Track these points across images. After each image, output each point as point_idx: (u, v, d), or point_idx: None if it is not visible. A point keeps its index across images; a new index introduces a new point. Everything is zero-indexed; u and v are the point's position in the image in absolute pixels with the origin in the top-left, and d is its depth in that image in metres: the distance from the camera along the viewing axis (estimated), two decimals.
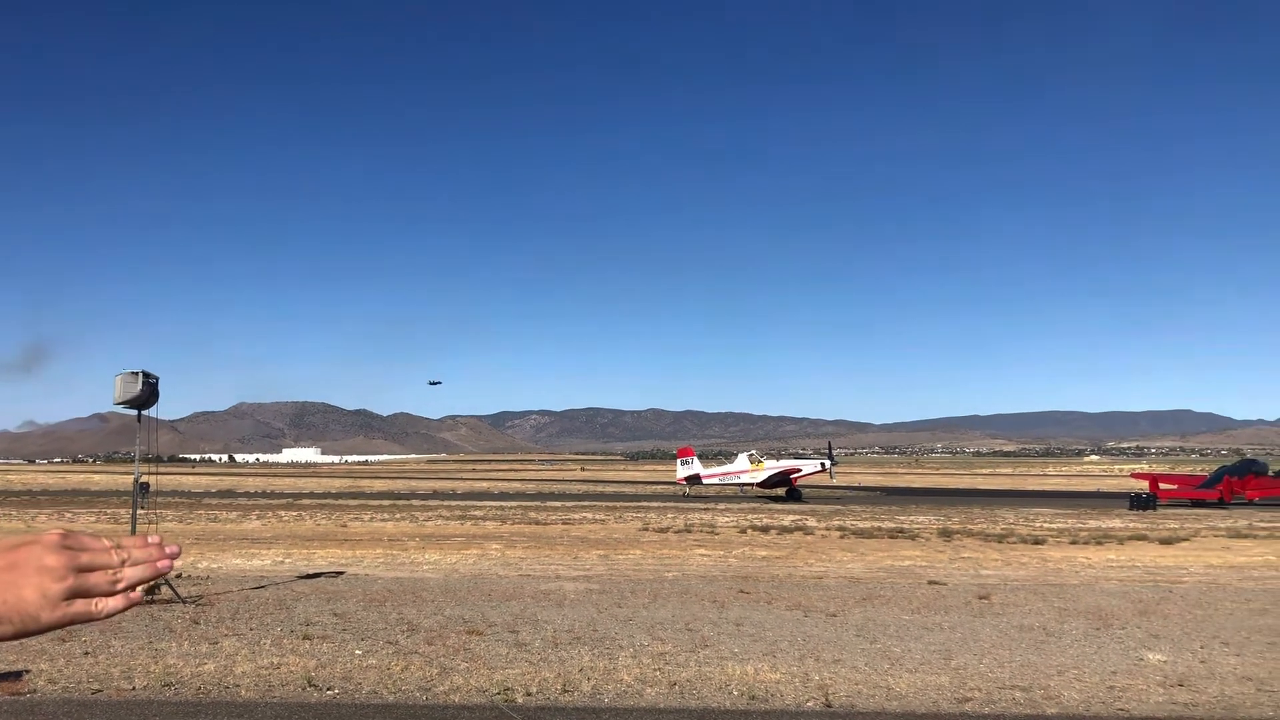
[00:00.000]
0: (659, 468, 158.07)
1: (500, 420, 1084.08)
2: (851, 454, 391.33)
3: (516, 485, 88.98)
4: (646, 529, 35.03)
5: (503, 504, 53.51)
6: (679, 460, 70.01)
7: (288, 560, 24.76)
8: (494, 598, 17.92)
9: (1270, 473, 60.31)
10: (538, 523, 38.39)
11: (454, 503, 54.98)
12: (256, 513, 44.82)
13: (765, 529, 34.76)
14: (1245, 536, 32.93)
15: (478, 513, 44.53)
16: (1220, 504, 54.87)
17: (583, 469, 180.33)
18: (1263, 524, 39.05)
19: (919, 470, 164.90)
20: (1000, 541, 30.43)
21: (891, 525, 36.48)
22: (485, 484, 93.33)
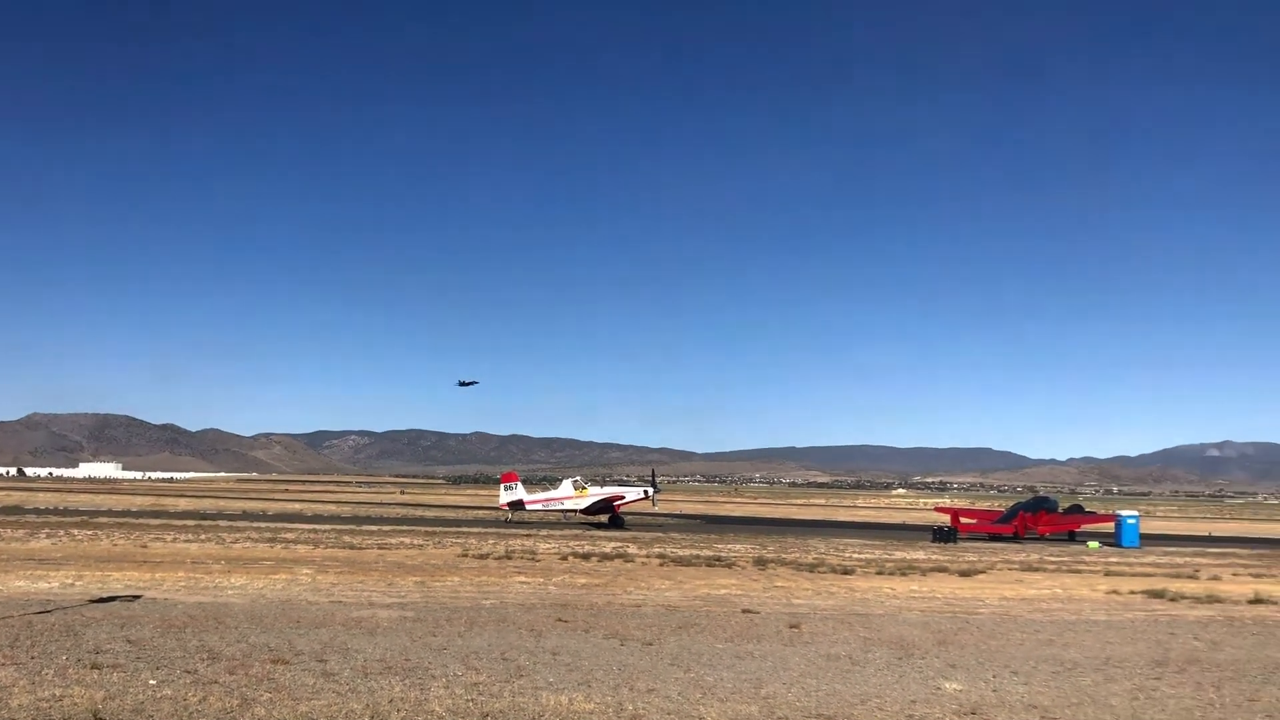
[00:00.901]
0: (482, 492, 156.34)
1: (317, 440, 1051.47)
2: (675, 481, 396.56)
3: (332, 508, 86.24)
4: (466, 555, 34.51)
5: (316, 527, 51.75)
6: (502, 485, 69.37)
7: (79, 582, 23.25)
8: (303, 625, 17.28)
9: (1060, 509, 64.32)
10: (353, 547, 37.29)
11: (264, 524, 52.83)
12: (46, 531, 41.91)
13: (586, 556, 34.78)
14: (1036, 570, 34.95)
15: (289, 535, 42.92)
16: (1015, 538, 58.05)
17: (403, 492, 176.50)
18: (1052, 558, 41.54)
19: (738, 499, 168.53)
20: (812, 571, 31.34)
21: (710, 553, 37.08)
22: (299, 505, 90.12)
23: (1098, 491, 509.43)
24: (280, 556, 32.61)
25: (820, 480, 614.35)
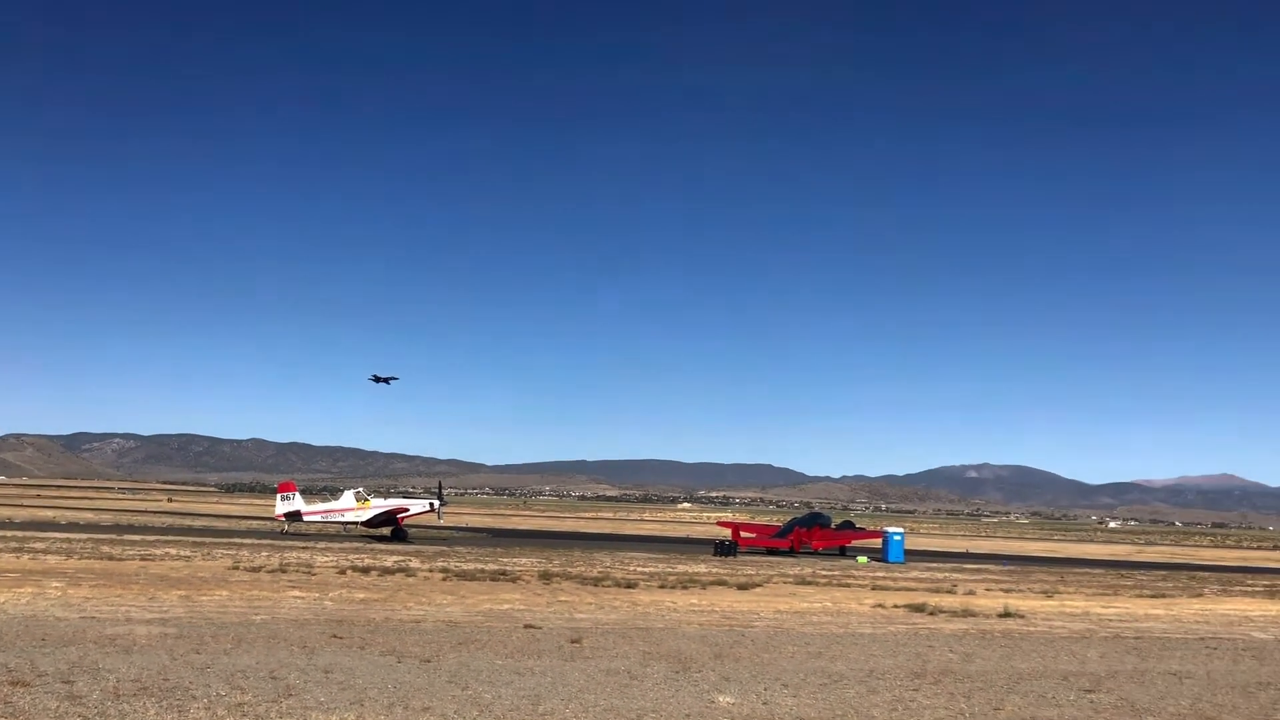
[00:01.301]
0: (258, 502, 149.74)
1: (75, 442, 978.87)
2: (463, 494, 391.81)
3: (90, 515, 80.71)
4: (237, 568, 32.88)
5: (71, 536, 48.22)
6: (279, 495, 66.61)
7: None
8: (49, 643, 15.99)
9: (833, 525, 67.28)
10: (111, 558, 34.90)
11: (10, 533, 48.80)
12: None
13: (366, 570, 33.78)
14: (809, 583, 36.35)
15: (38, 545, 39.78)
16: (791, 552, 60.32)
17: (170, 500, 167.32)
18: (824, 572, 43.34)
19: (526, 512, 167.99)
20: (596, 585, 31.52)
21: (494, 567, 36.74)
22: (51, 513, 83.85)
23: (868, 508, 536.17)
24: (27, 568, 30.17)
25: (609, 494, 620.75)
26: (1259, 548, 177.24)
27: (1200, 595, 39.91)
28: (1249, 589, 45.97)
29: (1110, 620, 27.73)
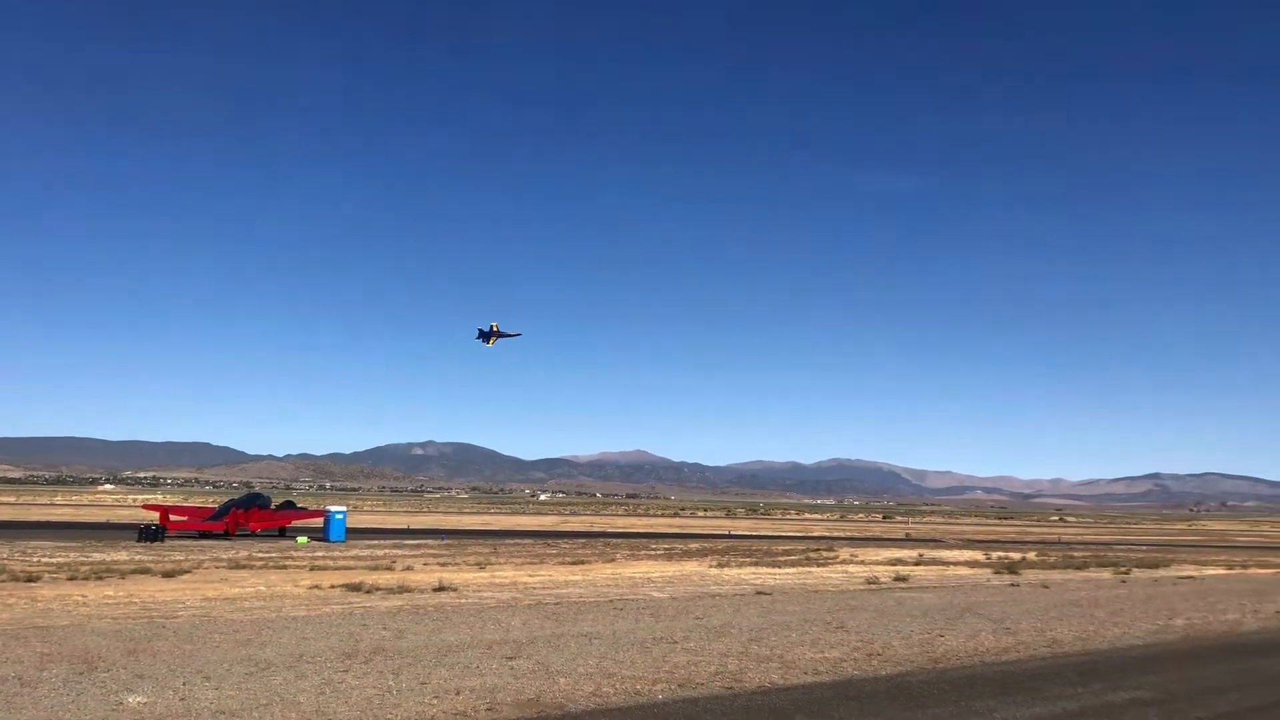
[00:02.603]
0: None
1: None
2: None
3: None
4: None
5: None
6: None
7: None
8: None
9: (274, 505, 65.02)
10: None
11: None
12: None
13: None
14: (244, 567, 34.74)
15: None
16: (226, 535, 57.29)
17: None
18: (261, 555, 41.72)
19: None
20: None
21: None
22: None
23: (312, 487, 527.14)
24: None
25: (12, 475, 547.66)
26: (662, 514, 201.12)
27: (613, 560, 44.27)
28: (652, 552, 51.89)
29: (535, 588, 29.75)
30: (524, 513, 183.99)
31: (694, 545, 62.96)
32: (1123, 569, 46.87)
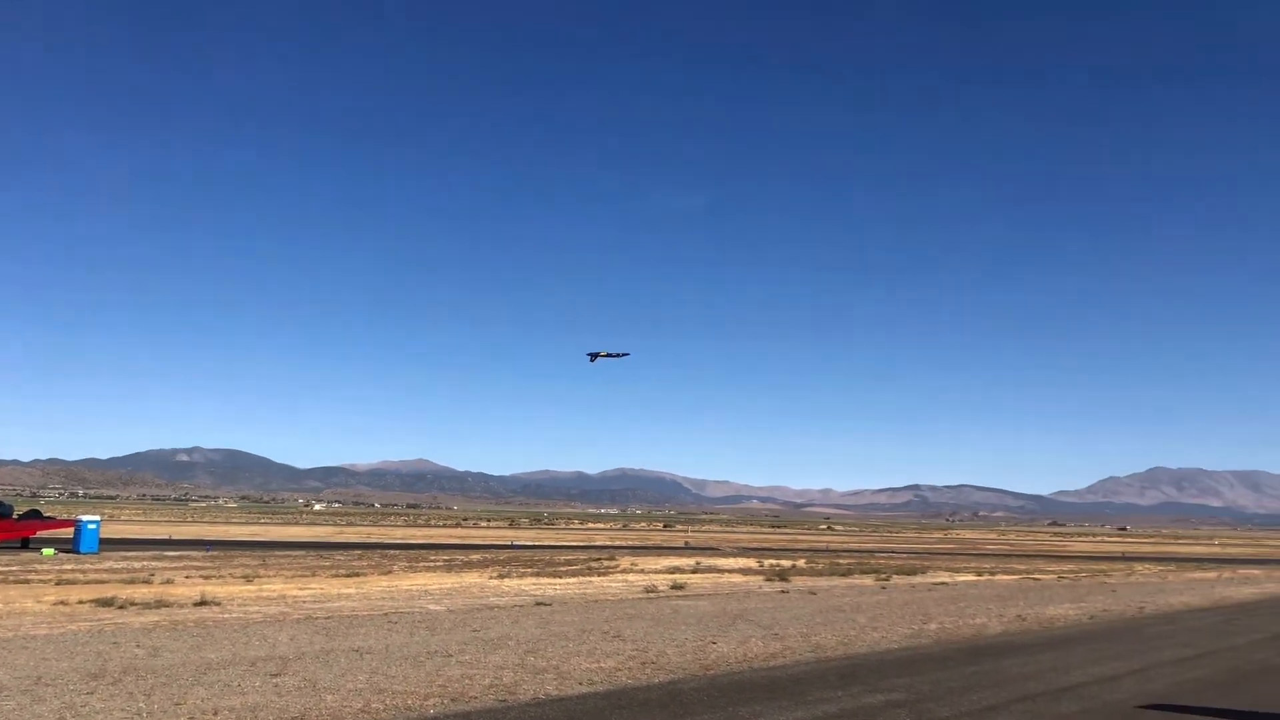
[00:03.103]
0: None
1: None
2: None
3: None
4: None
5: None
6: None
7: None
8: None
9: (15, 515, 60.10)
10: None
11: None
12: None
13: None
14: None
15: None
16: None
17: None
18: None
19: None
20: None
21: None
22: None
23: (63, 495, 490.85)
24: None
25: None
26: (443, 525, 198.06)
27: (390, 572, 43.23)
28: (432, 564, 51.04)
29: (305, 602, 28.64)
30: (297, 523, 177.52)
31: (475, 556, 62.33)
32: (884, 576, 49.44)
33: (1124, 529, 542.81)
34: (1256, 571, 72.00)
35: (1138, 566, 75.31)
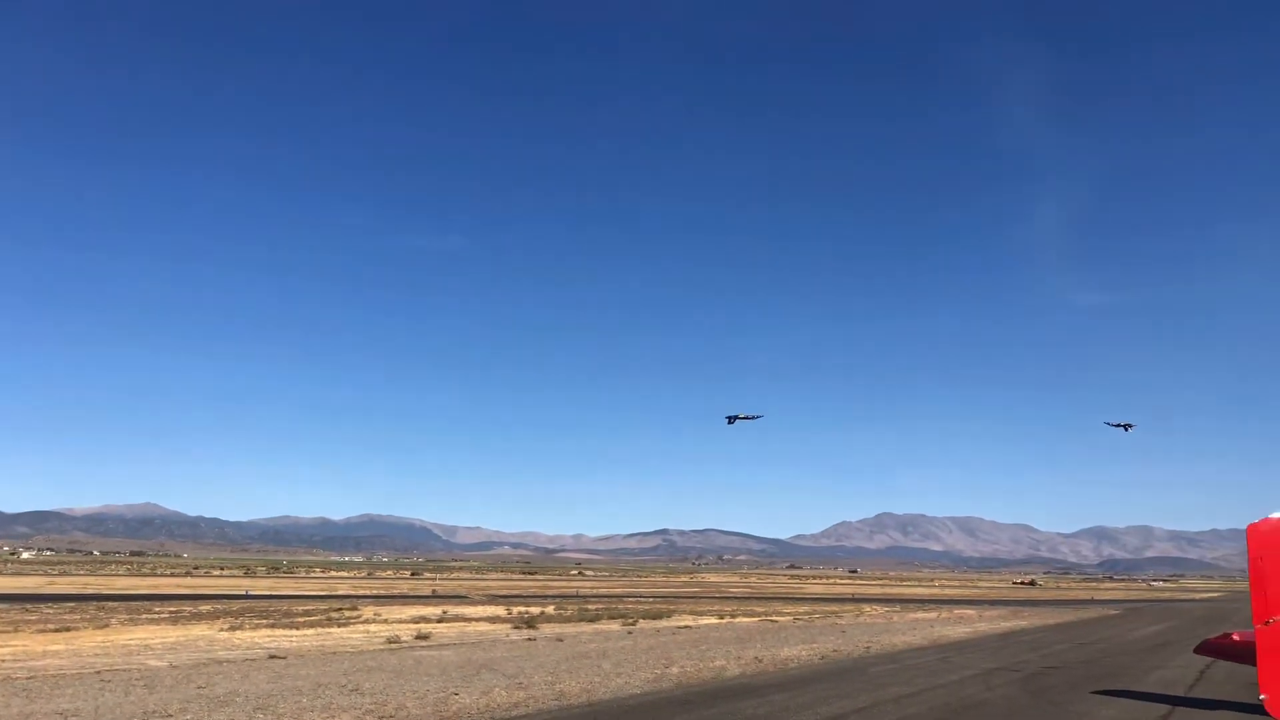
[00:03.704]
0: None
1: None
2: None
3: None
4: None
5: None
6: None
7: None
8: None
9: None
10: None
11: None
12: None
13: None
14: None
15: None
16: None
17: None
18: None
19: None
20: None
21: None
22: None
23: None
24: None
25: None
26: (171, 574, 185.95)
27: (106, 626, 40.01)
28: (156, 616, 47.62)
29: (4, 661, 26.00)
30: (1, 573, 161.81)
31: (205, 607, 58.60)
32: (631, 620, 50.10)
33: (855, 571, 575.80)
34: (970, 612, 77.72)
35: (866, 608, 79.85)
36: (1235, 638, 20.75)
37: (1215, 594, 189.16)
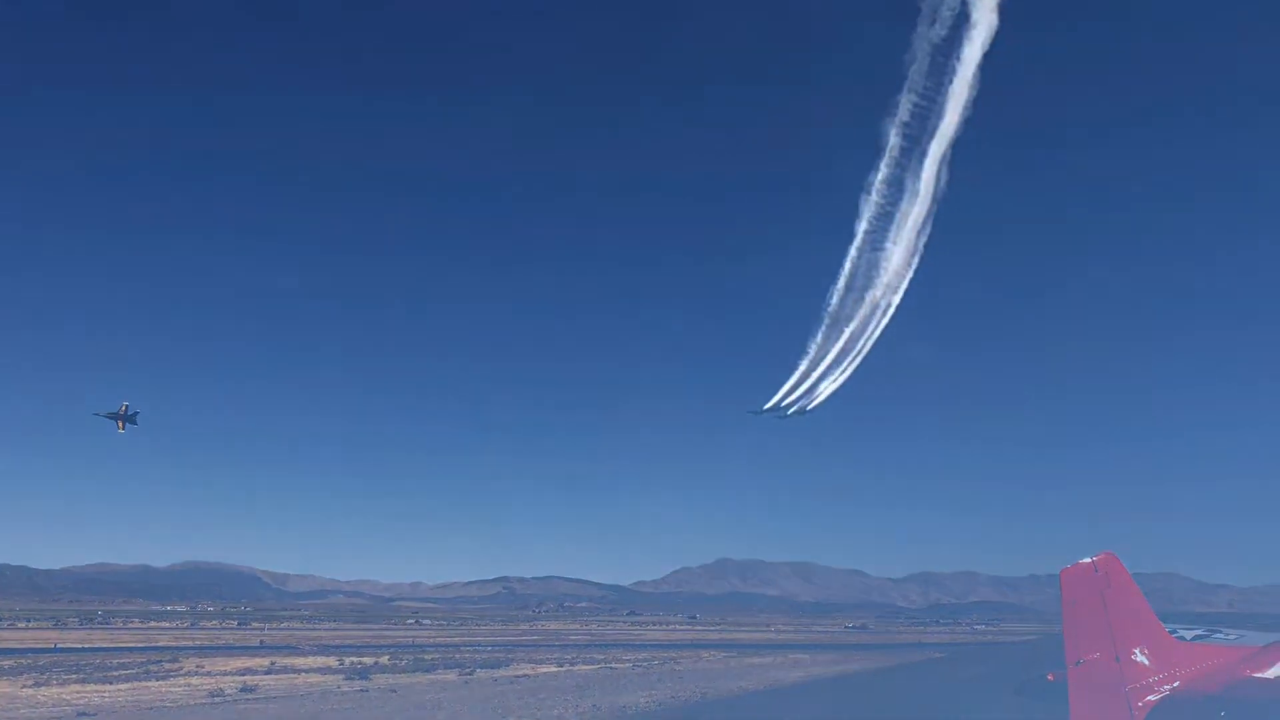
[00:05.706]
0: None
1: None
2: None
3: None
4: None
5: None
6: None
7: None
8: None
9: None
10: None
11: None
12: None
13: None
14: None
15: None
16: None
17: None
18: None
19: None
20: None
21: None
22: None
23: None
24: None
25: None
26: None
27: None
28: None
29: None
30: None
31: (7, 662, 54.81)
32: (468, 670, 49.33)
33: (694, 617, 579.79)
34: (804, 656, 79.58)
35: (704, 653, 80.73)
36: (1050, 679, 21.87)
37: (1032, 636, 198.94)
